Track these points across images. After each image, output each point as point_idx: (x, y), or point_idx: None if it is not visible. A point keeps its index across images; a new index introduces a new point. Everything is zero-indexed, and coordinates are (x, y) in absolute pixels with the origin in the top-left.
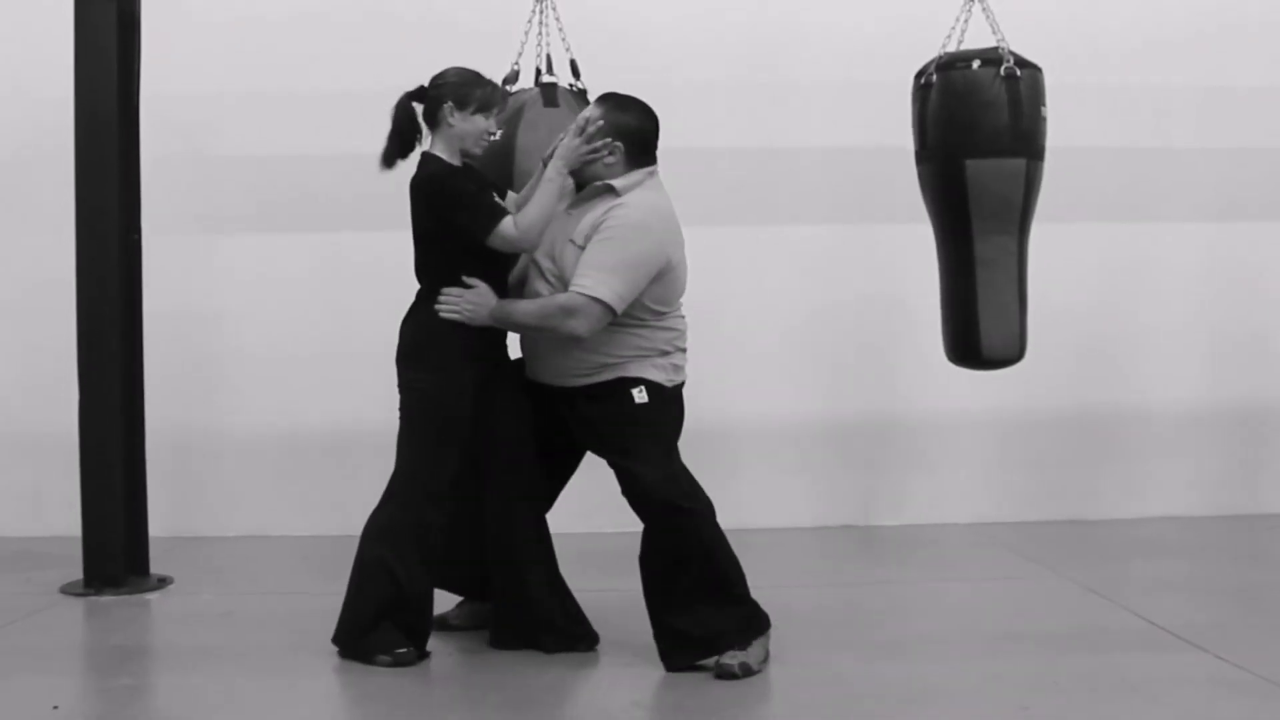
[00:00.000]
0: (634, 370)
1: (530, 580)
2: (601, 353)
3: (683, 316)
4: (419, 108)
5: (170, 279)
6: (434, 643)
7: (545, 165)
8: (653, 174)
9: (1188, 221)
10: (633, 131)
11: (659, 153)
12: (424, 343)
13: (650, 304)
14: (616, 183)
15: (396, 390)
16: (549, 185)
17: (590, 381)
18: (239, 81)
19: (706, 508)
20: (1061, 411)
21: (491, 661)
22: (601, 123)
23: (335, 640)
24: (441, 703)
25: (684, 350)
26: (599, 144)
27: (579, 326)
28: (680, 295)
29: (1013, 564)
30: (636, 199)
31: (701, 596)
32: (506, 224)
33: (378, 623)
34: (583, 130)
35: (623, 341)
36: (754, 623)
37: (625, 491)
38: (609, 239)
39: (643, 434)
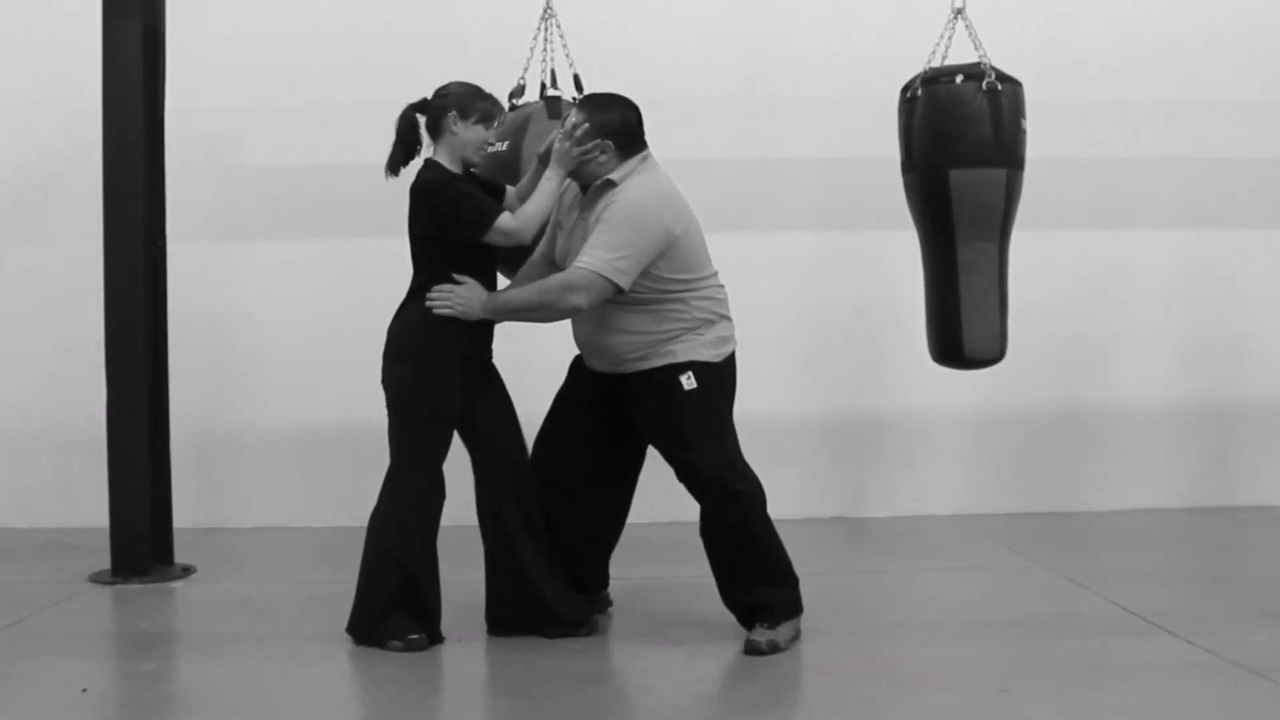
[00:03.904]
0: (682, 354)
1: (528, 573)
2: (642, 331)
3: (721, 285)
4: (421, 119)
5: (193, 283)
6: (441, 629)
7: (540, 161)
8: (646, 158)
9: (1160, 228)
10: (617, 127)
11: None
12: (410, 338)
13: (670, 274)
14: (614, 176)
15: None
16: (547, 184)
17: (643, 367)
18: (259, 95)
19: (756, 488)
20: (1041, 409)
21: (500, 646)
22: (586, 125)
23: (349, 630)
24: (452, 685)
25: (728, 318)
26: (589, 145)
27: (578, 299)
28: (706, 263)
29: (994, 554)
30: (631, 184)
31: (761, 575)
32: (504, 219)
33: (389, 611)
34: (570, 135)
35: (662, 317)
36: (796, 604)
37: (679, 476)
38: (606, 220)
39: (694, 420)
